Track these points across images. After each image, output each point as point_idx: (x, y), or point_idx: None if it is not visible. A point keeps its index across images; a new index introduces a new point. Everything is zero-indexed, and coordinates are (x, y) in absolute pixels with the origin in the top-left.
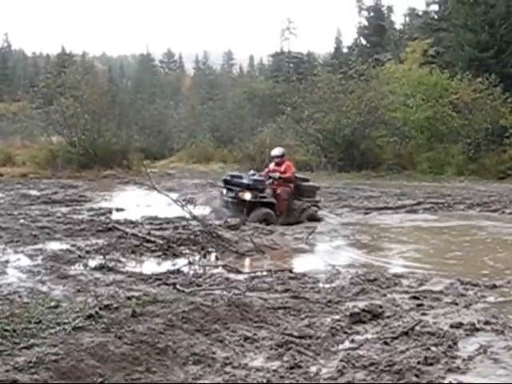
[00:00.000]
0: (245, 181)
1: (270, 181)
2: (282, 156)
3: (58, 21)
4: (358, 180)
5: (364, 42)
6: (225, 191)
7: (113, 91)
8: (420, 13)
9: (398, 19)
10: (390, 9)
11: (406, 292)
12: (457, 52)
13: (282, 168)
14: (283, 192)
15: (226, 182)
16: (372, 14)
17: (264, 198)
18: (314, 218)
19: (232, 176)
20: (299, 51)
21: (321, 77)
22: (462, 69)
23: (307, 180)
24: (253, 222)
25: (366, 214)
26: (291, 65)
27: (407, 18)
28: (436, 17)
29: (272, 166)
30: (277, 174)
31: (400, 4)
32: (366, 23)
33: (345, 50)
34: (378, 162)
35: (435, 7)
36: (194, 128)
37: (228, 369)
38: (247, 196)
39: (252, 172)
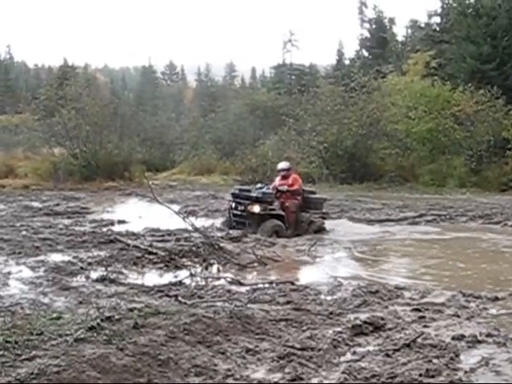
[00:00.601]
0: (253, 194)
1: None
2: (288, 169)
3: (60, 33)
4: (359, 192)
5: (366, 53)
6: (234, 205)
7: (115, 103)
8: (422, 25)
9: (400, 31)
10: (391, 21)
11: (408, 304)
12: (459, 64)
13: (290, 181)
14: (291, 204)
15: (234, 195)
16: (374, 25)
17: (273, 210)
18: (322, 230)
19: (240, 190)
20: (301, 63)
21: (323, 89)
22: (464, 81)
23: (314, 192)
24: (262, 235)
25: (368, 226)
26: (293, 77)
27: (409, 30)
28: (438, 29)
29: (278, 179)
30: (285, 187)
31: (402, 16)
32: (368, 35)
33: (347, 62)
34: (380, 174)
35: (437, 19)
36: (196, 140)
37: (230, 381)
38: (256, 209)
39: (260, 185)
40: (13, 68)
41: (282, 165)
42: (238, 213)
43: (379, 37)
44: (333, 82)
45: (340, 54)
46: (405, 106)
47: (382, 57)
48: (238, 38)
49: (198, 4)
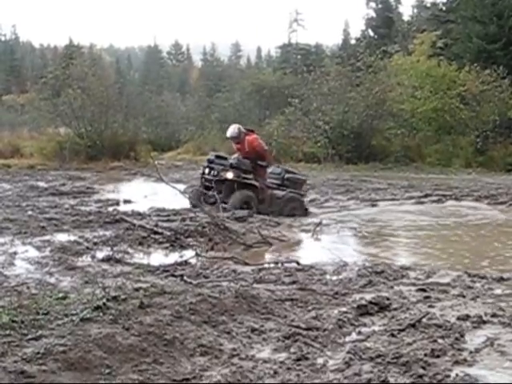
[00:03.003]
0: (230, 161)
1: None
2: (238, 136)
3: (65, 12)
4: (365, 172)
5: (372, 33)
6: (207, 170)
7: (120, 83)
8: (428, 4)
9: (406, 11)
10: (397, 0)
11: (413, 284)
12: (465, 44)
13: (246, 147)
14: (260, 178)
15: (209, 161)
16: (380, 5)
17: (247, 179)
18: (300, 212)
19: (217, 156)
20: (307, 43)
21: (329, 69)
22: (470, 61)
23: (295, 173)
24: (232, 206)
25: (373, 206)
26: (299, 56)
27: (415, 10)
28: (444, 8)
29: (234, 146)
30: (265, 163)
31: None
32: (374, 15)
33: (353, 42)
34: (386, 154)
35: None
36: (201, 120)
37: (235, 360)
38: (229, 175)
39: (237, 155)
40: (18, 48)
41: (230, 132)
42: (210, 178)
43: (385, 16)
44: (339, 61)
45: (346, 33)
46: (411, 86)
47: (388, 36)
48: (243, 17)
49: None
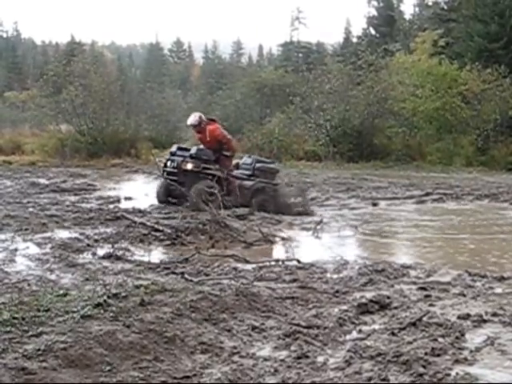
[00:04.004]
0: (190, 151)
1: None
2: (199, 123)
3: (67, 9)
4: (366, 170)
5: (373, 32)
6: (169, 163)
7: (122, 80)
8: (430, 3)
9: (408, 9)
10: None
11: (414, 283)
12: (466, 43)
13: (207, 137)
14: (225, 168)
15: (171, 154)
16: (381, 3)
17: (208, 169)
18: (272, 207)
19: (179, 148)
20: (308, 41)
21: (330, 67)
22: (472, 59)
23: (269, 162)
24: (194, 196)
25: (374, 204)
26: (300, 55)
27: (417, 9)
28: (446, 7)
29: (196, 136)
30: (229, 153)
31: None
32: (376, 13)
33: (354, 40)
34: (387, 152)
35: None
36: None
37: (235, 358)
38: (188, 166)
39: (202, 147)
40: (20, 45)
41: (191, 120)
42: (169, 170)
43: (387, 15)
44: (340, 60)
45: (347, 32)
46: (412, 85)
47: (390, 35)
48: (245, 15)
49: None
